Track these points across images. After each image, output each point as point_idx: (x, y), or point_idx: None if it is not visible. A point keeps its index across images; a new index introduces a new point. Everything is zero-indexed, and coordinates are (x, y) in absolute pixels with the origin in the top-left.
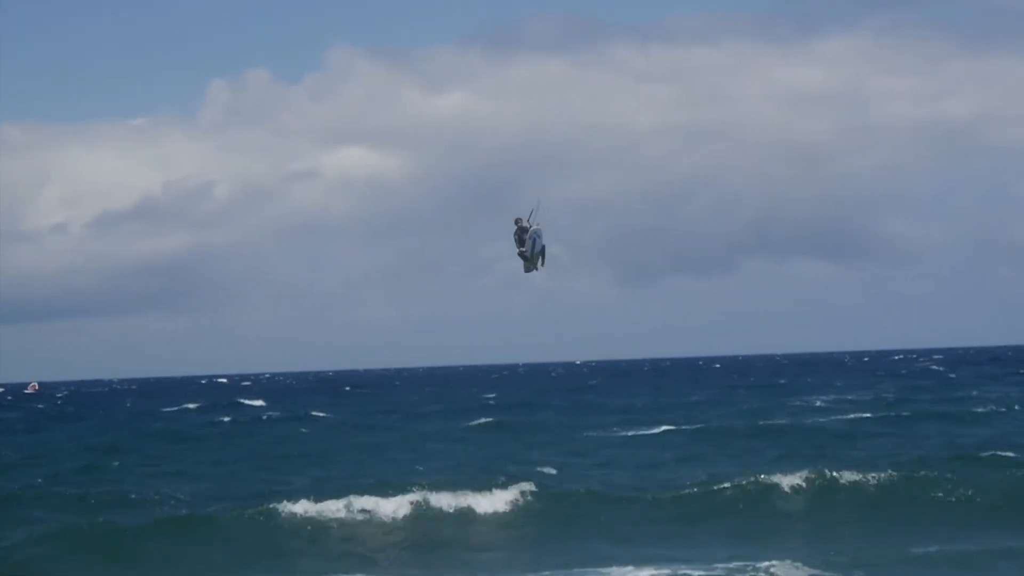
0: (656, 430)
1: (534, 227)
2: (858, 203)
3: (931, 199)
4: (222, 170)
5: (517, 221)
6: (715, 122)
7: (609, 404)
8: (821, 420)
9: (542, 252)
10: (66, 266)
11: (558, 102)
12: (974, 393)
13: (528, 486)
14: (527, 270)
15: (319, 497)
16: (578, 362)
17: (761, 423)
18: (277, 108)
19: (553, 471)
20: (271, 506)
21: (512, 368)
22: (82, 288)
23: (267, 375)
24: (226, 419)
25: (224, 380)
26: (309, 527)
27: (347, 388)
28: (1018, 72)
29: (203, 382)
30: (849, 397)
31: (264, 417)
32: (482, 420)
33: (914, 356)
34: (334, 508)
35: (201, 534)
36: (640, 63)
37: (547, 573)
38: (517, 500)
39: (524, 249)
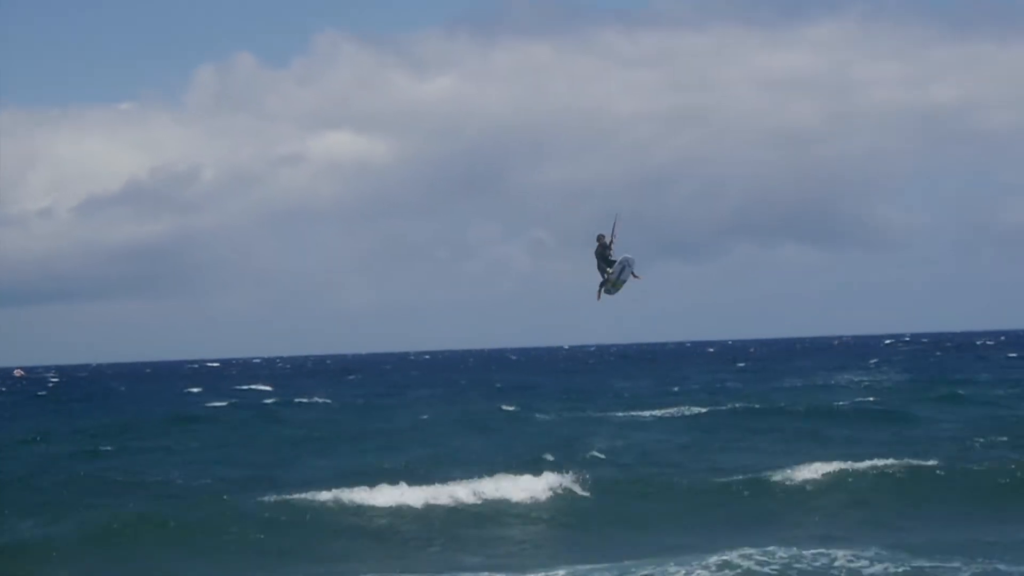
0: (681, 412)
1: (626, 256)
2: (844, 188)
3: (917, 184)
4: (209, 155)
5: (600, 238)
6: (700, 107)
7: (624, 387)
8: (842, 403)
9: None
10: (52, 250)
11: (544, 87)
12: (984, 376)
13: (574, 472)
14: (604, 293)
15: (364, 483)
16: (566, 347)
17: (784, 405)
18: (264, 93)
19: (599, 455)
20: (308, 494)
21: (501, 352)
22: (67, 272)
23: (258, 359)
24: (246, 404)
25: (216, 364)
26: (357, 516)
27: (351, 376)
28: (1003, 57)
29: (195, 367)
30: (865, 379)
31: (272, 402)
32: (503, 406)
33: (906, 340)
34: (372, 496)
35: (248, 522)
36: (626, 48)
37: (605, 565)
38: (561, 486)
39: (611, 272)
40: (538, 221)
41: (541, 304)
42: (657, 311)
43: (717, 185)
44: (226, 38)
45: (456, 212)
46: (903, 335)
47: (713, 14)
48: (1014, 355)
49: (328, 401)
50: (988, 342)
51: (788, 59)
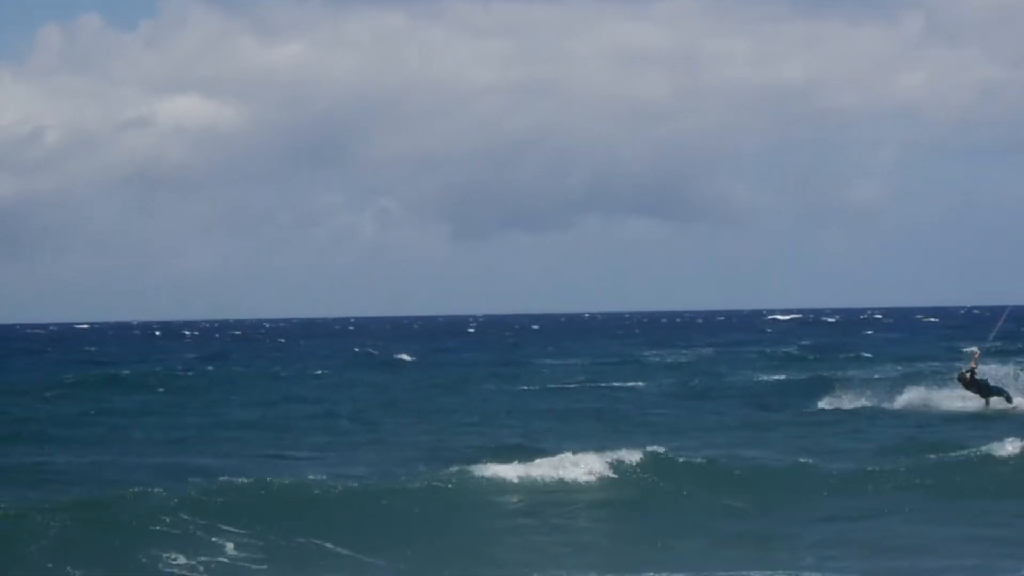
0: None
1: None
2: (690, 164)
3: (761, 162)
4: (52, 116)
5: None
6: (551, 79)
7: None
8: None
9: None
10: None
11: (395, 56)
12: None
13: (621, 453)
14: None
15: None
16: (405, 317)
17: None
18: (110, 55)
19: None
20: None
21: (344, 322)
22: None
23: (84, 325)
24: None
25: (85, 326)
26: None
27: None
28: (850, 37)
29: (53, 328)
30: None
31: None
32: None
33: (764, 315)
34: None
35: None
36: (479, 18)
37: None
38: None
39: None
40: (385, 190)
41: (387, 273)
42: (506, 282)
43: (566, 158)
44: None
45: (303, 180)
46: (748, 311)
47: None
48: (869, 332)
49: (243, 369)
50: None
51: (639, 33)
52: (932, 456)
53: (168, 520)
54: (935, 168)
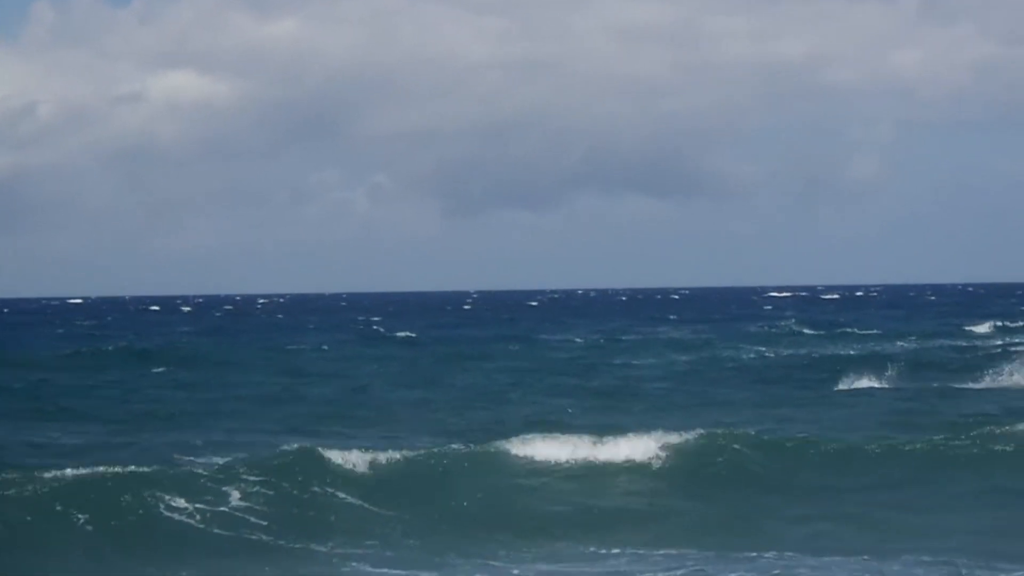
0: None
1: None
2: (690, 140)
3: (763, 138)
4: (45, 91)
5: None
6: (550, 56)
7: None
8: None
9: None
10: None
11: (392, 31)
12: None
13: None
14: None
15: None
16: (397, 292)
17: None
18: (103, 30)
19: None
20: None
21: (336, 298)
22: None
23: (104, 298)
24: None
25: (79, 300)
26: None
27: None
28: (851, 13)
29: (49, 303)
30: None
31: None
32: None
33: (761, 292)
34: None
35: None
36: None
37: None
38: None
39: None
40: (380, 167)
41: (381, 249)
42: (501, 260)
43: (564, 136)
44: None
45: (297, 156)
46: (748, 288)
47: None
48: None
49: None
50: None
51: (639, 9)
52: None
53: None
54: (931, 144)
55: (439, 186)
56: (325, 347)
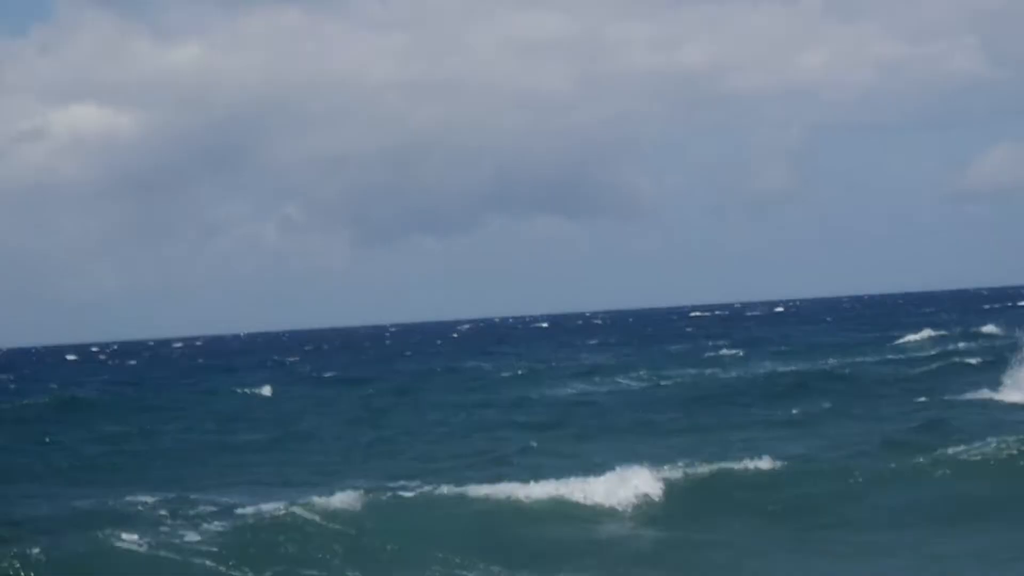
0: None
1: None
2: (595, 156)
3: (667, 150)
4: None
5: None
6: (452, 73)
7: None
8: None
9: None
10: None
11: (294, 54)
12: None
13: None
14: None
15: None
16: (311, 330)
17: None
18: (0, 63)
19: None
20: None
21: (252, 337)
22: None
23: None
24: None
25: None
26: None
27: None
28: (755, 18)
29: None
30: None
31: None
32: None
33: (682, 314)
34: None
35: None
36: (377, 11)
37: None
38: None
39: None
40: (289, 195)
41: (292, 283)
42: (417, 288)
43: (469, 156)
44: None
45: (206, 187)
46: (658, 309)
47: None
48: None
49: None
50: (755, 312)
51: (538, 21)
52: None
53: None
54: (842, 148)
55: (348, 214)
56: (266, 391)
